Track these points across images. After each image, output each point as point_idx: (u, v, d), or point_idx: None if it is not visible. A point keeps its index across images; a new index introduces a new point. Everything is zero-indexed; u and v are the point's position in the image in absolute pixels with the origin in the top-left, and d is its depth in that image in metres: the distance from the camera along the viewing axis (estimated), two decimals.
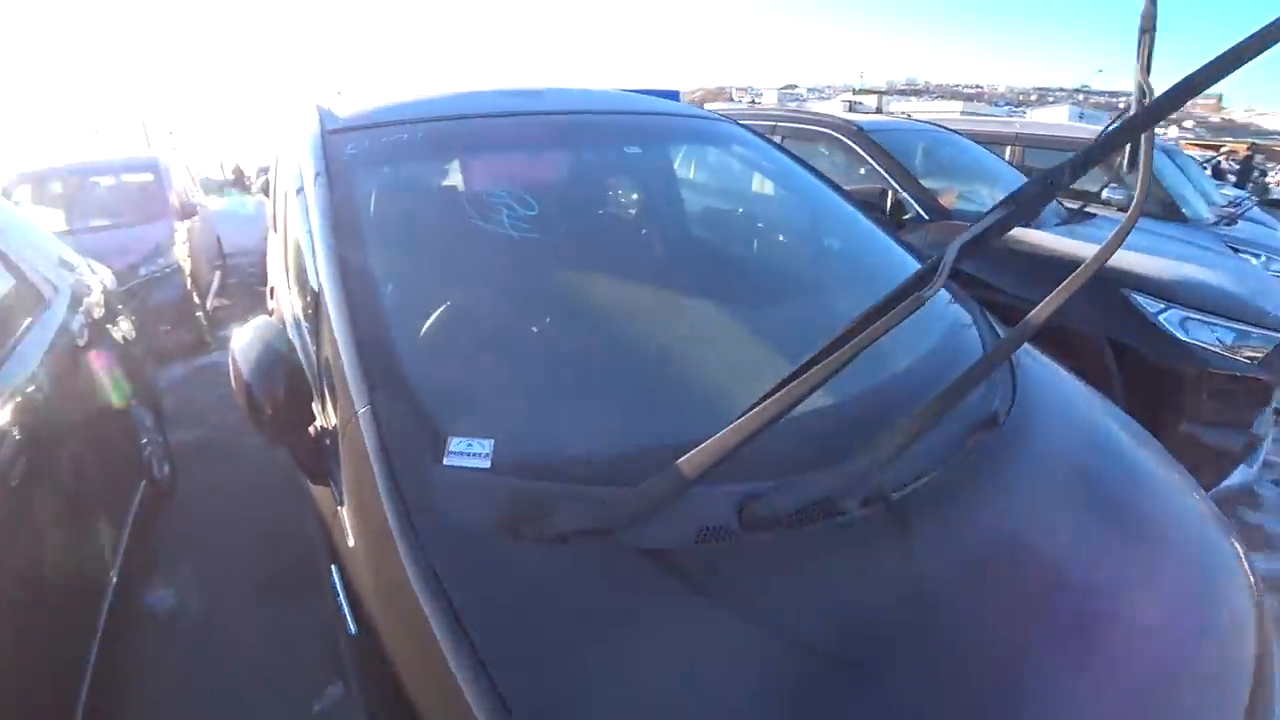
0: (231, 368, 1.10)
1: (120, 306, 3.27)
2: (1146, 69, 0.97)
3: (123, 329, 3.16)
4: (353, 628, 1.01)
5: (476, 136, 1.74)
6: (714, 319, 1.46)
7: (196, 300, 4.98)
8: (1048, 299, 0.95)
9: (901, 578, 0.89)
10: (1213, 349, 2.43)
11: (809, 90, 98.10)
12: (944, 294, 1.44)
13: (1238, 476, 2.53)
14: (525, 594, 0.84)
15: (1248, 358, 2.43)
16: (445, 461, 0.94)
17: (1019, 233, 2.79)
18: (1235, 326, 2.45)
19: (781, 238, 2.21)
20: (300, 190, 1.53)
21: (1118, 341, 2.52)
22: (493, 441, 0.95)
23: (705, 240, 2.14)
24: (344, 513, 1.04)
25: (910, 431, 0.88)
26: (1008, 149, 4.90)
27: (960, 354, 1.29)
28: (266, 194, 7.45)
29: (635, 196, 2.14)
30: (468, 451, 0.94)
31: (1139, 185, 1.04)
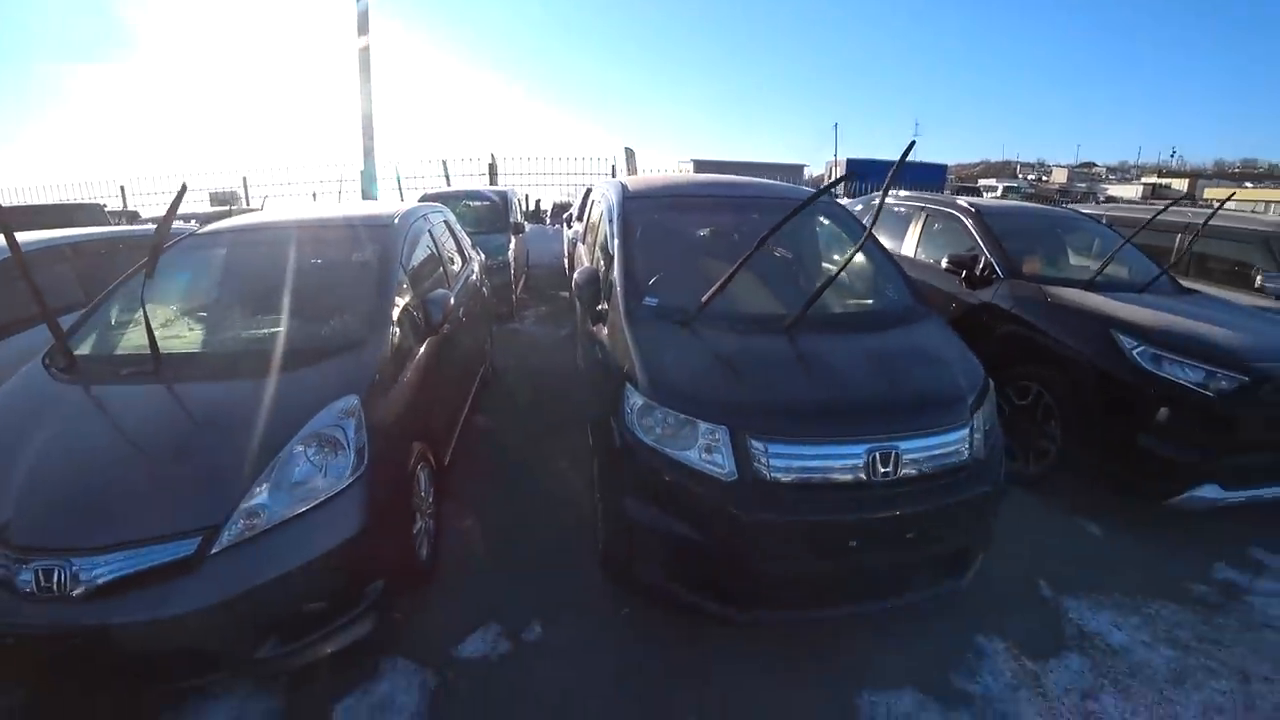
0: (572, 282, 3.12)
1: (484, 276, 5.76)
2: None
3: (486, 288, 5.62)
4: (597, 351, 2.97)
5: (689, 202, 3.86)
6: (756, 274, 3.18)
7: (513, 287, 7.61)
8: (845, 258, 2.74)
9: (786, 343, 2.71)
10: (1179, 380, 3.16)
11: (1109, 170, 79.80)
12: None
13: (1208, 492, 3.14)
14: (657, 334, 2.74)
15: (1213, 391, 3.09)
16: (643, 302, 2.97)
17: (1069, 293, 3.86)
18: (1203, 367, 3.14)
19: (822, 262, 3.90)
20: (611, 220, 3.64)
21: (1102, 367, 3.42)
22: (658, 300, 2.98)
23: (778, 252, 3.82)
24: (603, 328, 3.04)
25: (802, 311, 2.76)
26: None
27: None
28: (564, 225, 10.35)
29: (751, 231, 3.78)
30: (649, 301, 2.97)
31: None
